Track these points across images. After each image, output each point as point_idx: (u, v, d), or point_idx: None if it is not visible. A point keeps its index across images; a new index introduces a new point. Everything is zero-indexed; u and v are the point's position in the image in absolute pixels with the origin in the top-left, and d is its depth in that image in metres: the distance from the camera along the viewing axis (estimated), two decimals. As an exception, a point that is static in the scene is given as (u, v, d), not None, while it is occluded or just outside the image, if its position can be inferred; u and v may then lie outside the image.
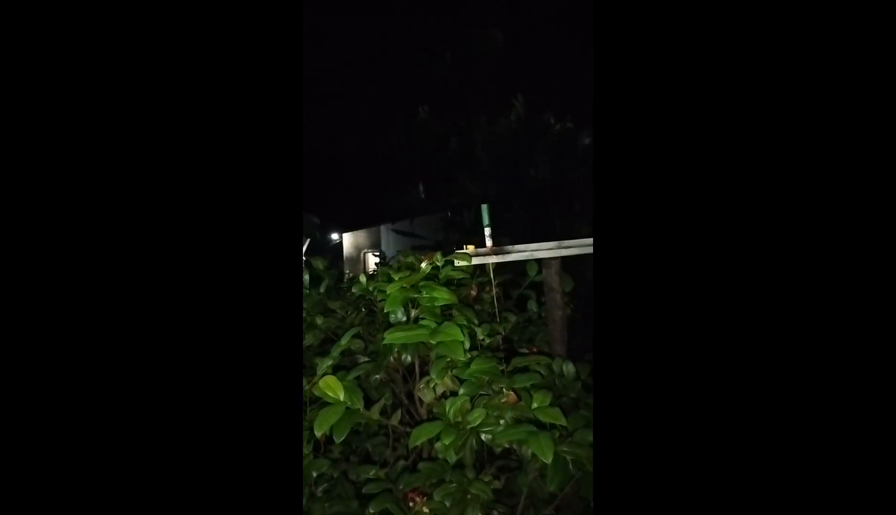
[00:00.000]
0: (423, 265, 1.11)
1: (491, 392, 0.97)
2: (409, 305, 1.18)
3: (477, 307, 1.59)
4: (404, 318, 1.20)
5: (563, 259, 1.41)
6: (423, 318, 1.06)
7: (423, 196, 4.20)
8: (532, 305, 1.57)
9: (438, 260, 1.22)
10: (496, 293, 1.61)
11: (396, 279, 1.10)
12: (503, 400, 0.95)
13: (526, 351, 1.32)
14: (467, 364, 0.93)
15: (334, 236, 16.20)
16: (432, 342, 0.87)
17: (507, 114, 3.17)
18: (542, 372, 0.94)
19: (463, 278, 1.20)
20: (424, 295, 1.08)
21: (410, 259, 1.33)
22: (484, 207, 1.38)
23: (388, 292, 1.06)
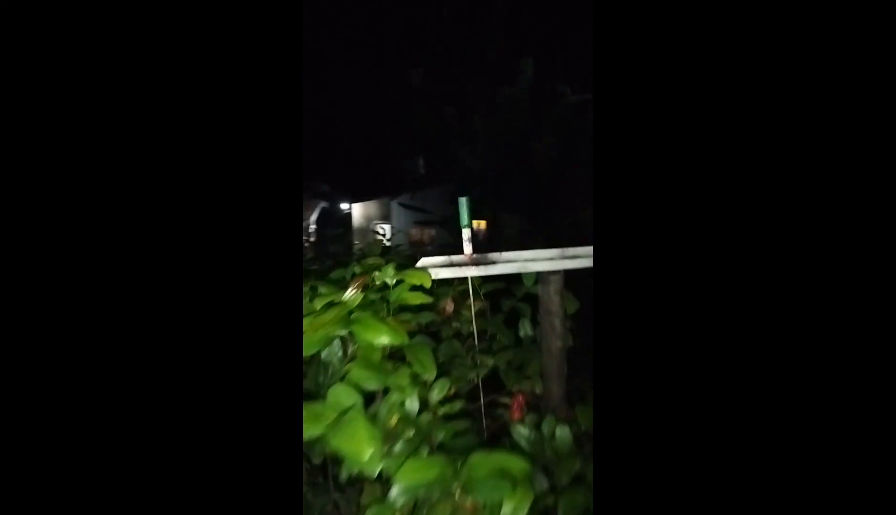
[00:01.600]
0: (349, 294, 0.77)
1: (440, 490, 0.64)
2: (349, 338, 0.85)
3: (454, 325, 1.26)
4: (340, 354, 0.87)
5: (567, 272, 1.06)
6: (356, 366, 0.73)
7: (421, 170, 3.82)
8: (525, 327, 1.23)
9: (389, 275, 0.88)
10: (479, 308, 1.26)
11: (318, 307, 0.76)
12: (457, 509, 0.62)
13: (507, 400, 0.98)
14: (400, 461, 0.60)
15: (344, 206, 15.99)
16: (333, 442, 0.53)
17: (509, 81, 2.75)
18: (515, 475, 0.60)
19: (423, 302, 0.86)
20: (359, 332, 0.74)
21: (357, 269, 0.99)
22: (462, 201, 1.02)
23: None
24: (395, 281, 0.87)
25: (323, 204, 16.39)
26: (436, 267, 1.02)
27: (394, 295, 0.87)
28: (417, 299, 0.85)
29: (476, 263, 1.04)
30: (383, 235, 4.89)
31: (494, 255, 1.06)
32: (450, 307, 1.21)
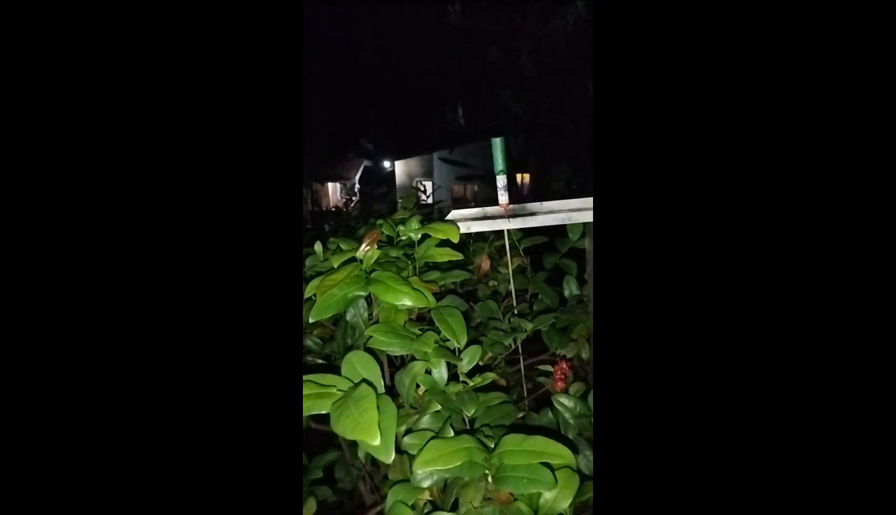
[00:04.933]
0: (362, 250, 0.67)
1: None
2: (374, 299, 0.78)
3: (491, 283, 1.16)
4: (366, 315, 0.80)
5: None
6: (376, 331, 0.65)
7: (461, 120, 3.63)
8: (570, 285, 1.11)
9: (413, 229, 0.78)
10: (518, 266, 1.15)
11: (336, 264, 0.68)
12: (488, 498, 0.55)
13: (549, 368, 0.88)
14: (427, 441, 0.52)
15: (387, 164, 15.97)
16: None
17: (560, 13, 2.48)
18: (556, 463, 0.51)
19: (452, 259, 0.76)
20: (379, 293, 0.66)
21: (385, 226, 0.90)
22: (496, 143, 0.89)
23: (313, 293, 0.65)
24: (419, 236, 0.77)
25: (366, 162, 16.42)
26: (467, 221, 0.91)
27: (419, 252, 0.78)
28: (445, 256, 0.75)
29: (513, 215, 0.92)
30: (423, 191, 4.77)
31: (534, 206, 0.94)
32: (486, 264, 1.10)
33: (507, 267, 1.05)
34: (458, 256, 0.77)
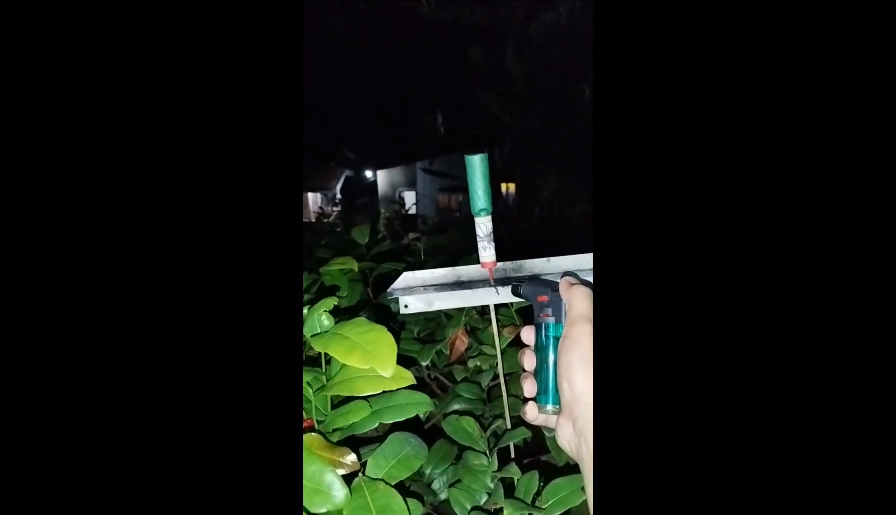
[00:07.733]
0: None
1: None
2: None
3: (472, 365, 0.79)
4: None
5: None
6: None
7: (441, 128, 3.29)
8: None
9: (314, 337, 0.42)
10: (512, 334, 0.79)
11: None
12: None
13: None
14: None
15: (369, 174, 15.63)
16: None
17: (553, 3, 2.17)
18: None
19: (388, 389, 0.40)
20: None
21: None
22: (472, 162, 0.54)
23: None
24: (324, 351, 0.40)
25: (347, 172, 16.05)
26: (428, 290, 0.56)
27: (330, 377, 0.41)
28: (375, 386, 0.39)
29: (503, 280, 0.56)
30: (402, 204, 4.43)
31: (537, 263, 0.58)
32: (462, 342, 0.74)
33: (493, 341, 0.69)
34: (404, 380, 0.41)
